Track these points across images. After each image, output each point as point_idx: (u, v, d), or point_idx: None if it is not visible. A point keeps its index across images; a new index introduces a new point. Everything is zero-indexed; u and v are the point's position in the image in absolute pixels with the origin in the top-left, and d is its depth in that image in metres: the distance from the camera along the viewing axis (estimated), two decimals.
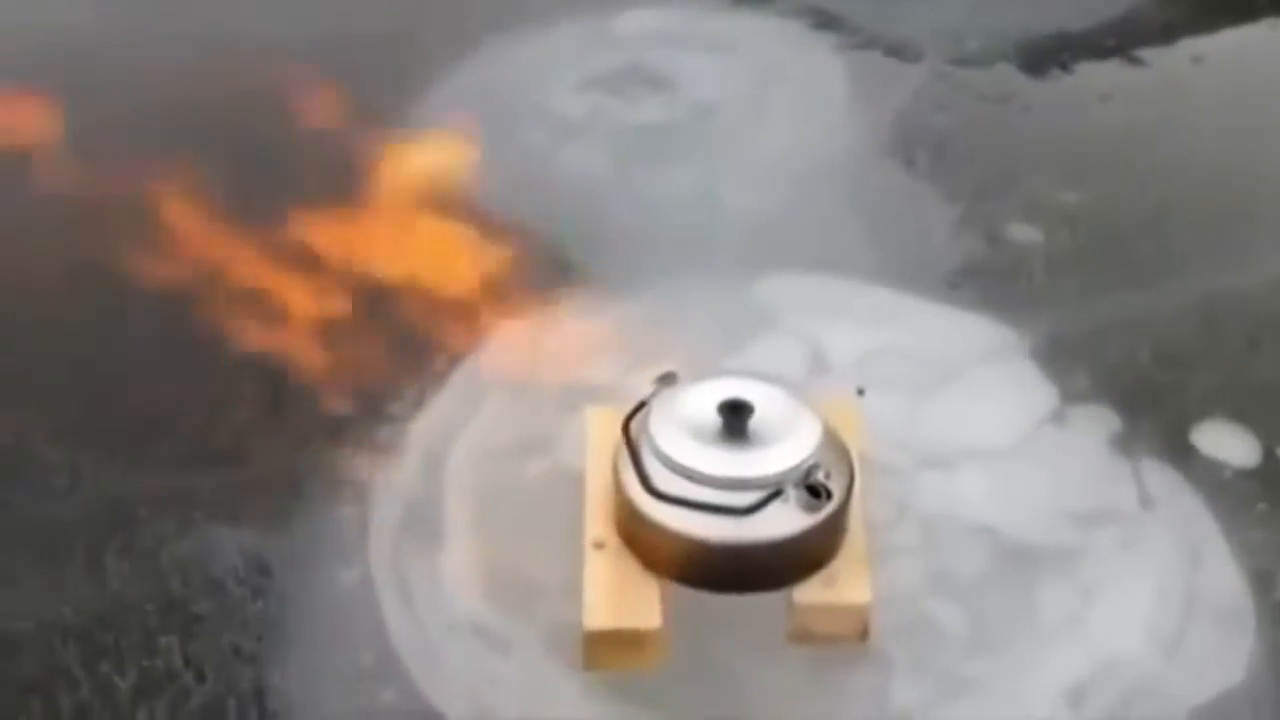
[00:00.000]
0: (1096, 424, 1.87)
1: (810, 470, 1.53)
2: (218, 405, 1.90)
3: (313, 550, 1.71)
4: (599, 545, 1.60)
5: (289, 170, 2.26)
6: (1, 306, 2.08)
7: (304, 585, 1.68)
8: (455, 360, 1.94)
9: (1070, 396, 1.91)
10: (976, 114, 2.52)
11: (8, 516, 1.78)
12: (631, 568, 1.57)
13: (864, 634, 1.57)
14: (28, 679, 1.59)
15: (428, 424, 1.86)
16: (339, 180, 2.23)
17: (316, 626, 1.64)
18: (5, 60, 2.49)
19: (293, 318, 1.94)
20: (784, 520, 1.52)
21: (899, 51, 2.65)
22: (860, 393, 1.87)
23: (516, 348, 1.94)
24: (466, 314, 1.98)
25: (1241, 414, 1.88)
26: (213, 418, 1.88)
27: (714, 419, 1.56)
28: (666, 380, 1.64)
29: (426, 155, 2.24)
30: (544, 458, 1.79)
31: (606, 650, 1.54)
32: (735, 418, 1.55)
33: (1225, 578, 1.68)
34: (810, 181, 2.33)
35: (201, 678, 1.59)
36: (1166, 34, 2.72)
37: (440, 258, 2.07)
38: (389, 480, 1.79)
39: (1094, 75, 2.65)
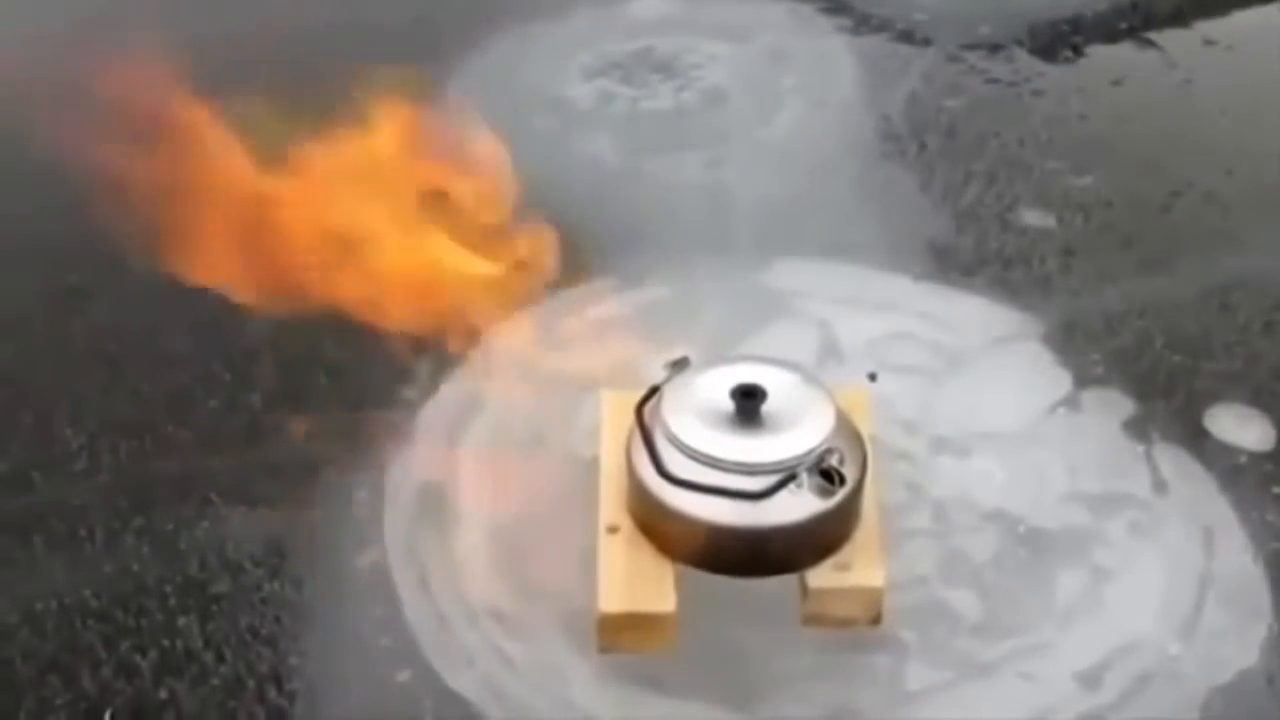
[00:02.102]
0: (1110, 408, 1.87)
1: (824, 455, 1.53)
2: (235, 389, 1.92)
3: (329, 533, 1.72)
4: (613, 529, 1.60)
5: (300, 157, 2.27)
6: (21, 289, 2.10)
7: (321, 568, 1.69)
8: (469, 345, 1.95)
9: (1084, 381, 1.91)
10: (988, 98, 2.52)
11: (28, 498, 1.80)
12: (645, 552, 1.58)
13: (877, 618, 1.57)
14: (50, 658, 1.61)
15: (442, 408, 1.87)
16: (349, 165, 2.24)
17: (333, 609, 1.65)
18: None
19: (309, 302, 1.95)
20: (798, 505, 1.52)
21: (910, 36, 2.65)
22: (872, 378, 1.88)
23: (529, 333, 1.95)
24: (480, 299, 1.98)
25: (1256, 398, 1.88)
26: (231, 401, 1.90)
27: (727, 404, 1.56)
28: (679, 365, 1.64)
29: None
30: (557, 442, 1.79)
31: (621, 633, 1.55)
32: (748, 402, 1.56)
33: (1240, 560, 1.68)
34: (822, 167, 2.33)
35: (221, 658, 1.61)
36: (1178, 17, 2.72)
37: (453, 243, 2.07)
38: (404, 464, 1.80)
39: (1106, 59, 2.64)
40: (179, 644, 1.62)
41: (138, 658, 1.61)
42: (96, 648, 1.62)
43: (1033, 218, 2.23)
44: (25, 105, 2.23)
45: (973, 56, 2.60)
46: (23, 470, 1.84)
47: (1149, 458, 1.80)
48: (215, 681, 1.58)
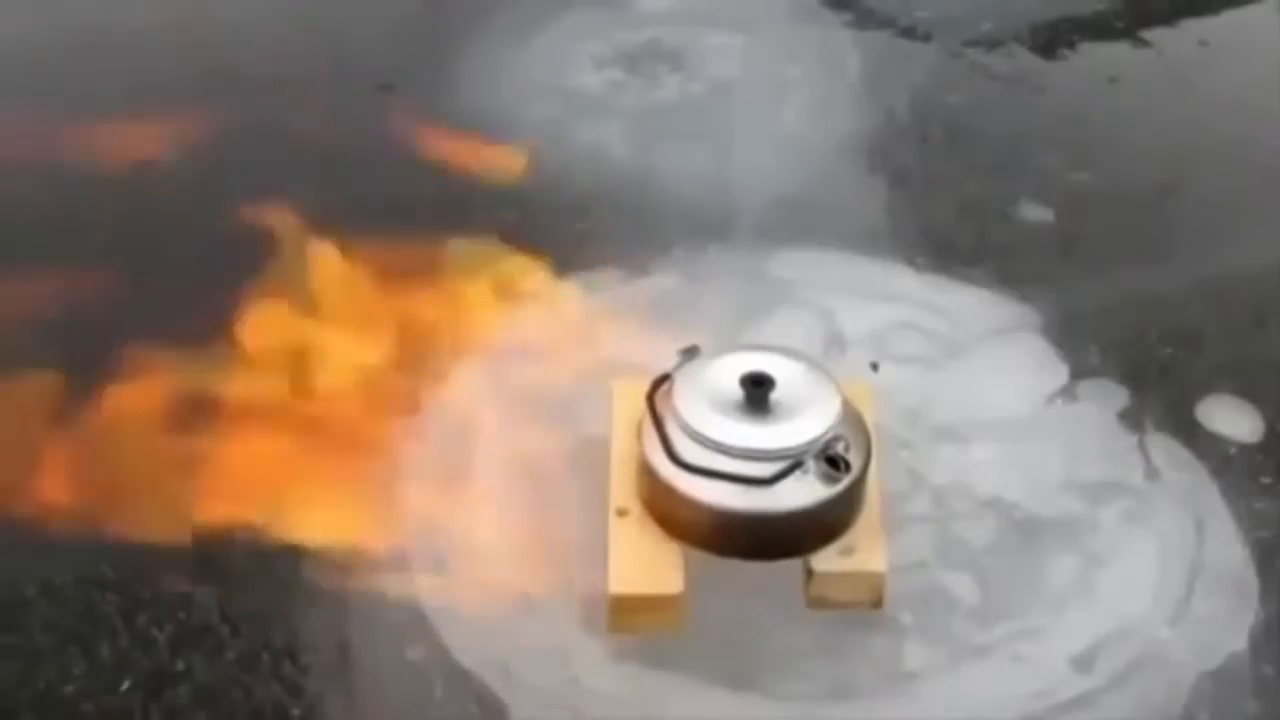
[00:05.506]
0: (1105, 399, 1.91)
1: (830, 443, 1.57)
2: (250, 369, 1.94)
3: (344, 512, 1.75)
4: (623, 513, 1.64)
5: (305, 143, 2.29)
6: (38, 271, 2.11)
7: (336, 545, 1.71)
8: (480, 332, 1.97)
9: (1080, 372, 1.95)
10: (988, 94, 2.55)
11: None
12: (654, 535, 1.62)
13: (878, 601, 1.62)
14: (69, 630, 1.64)
15: (454, 392, 1.89)
16: (354, 153, 2.26)
17: (347, 585, 1.68)
18: None
19: (321, 285, 1.97)
20: (804, 491, 1.56)
21: (913, 32, 2.68)
22: (874, 367, 1.92)
23: (540, 322, 1.98)
24: (490, 287, 2.01)
25: (1247, 390, 1.92)
26: (247, 383, 1.92)
27: (736, 392, 1.60)
28: (690, 354, 1.68)
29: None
30: (569, 428, 1.82)
31: (630, 614, 1.59)
32: (758, 390, 1.59)
33: (1229, 548, 1.72)
34: (826, 159, 2.36)
35: (236, 632, 1.64)
36: (1173, 17, 2.75)
37: (461, 232, 2.10)
38: (419, 445, 1.82)
39: (1104, 57, 2.68)
40: (196, 617, 1.65)
41: (155, 630, 1.64)
42: (114, 620, 1.65)
43: (1031, 212, 2.27)
44: None
45: (974, 53, 2.63)
46: None
47: (1142, 447, 1.84)
48: (230, 655, 1.62)
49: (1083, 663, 1.60)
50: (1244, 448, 1.86)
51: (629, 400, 1.71)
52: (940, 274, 2.11)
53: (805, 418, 1.58)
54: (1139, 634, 1.63)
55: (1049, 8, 2.76)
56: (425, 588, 1.67)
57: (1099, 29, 2.72)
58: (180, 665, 1.61)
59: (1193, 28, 2.74)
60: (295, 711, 1.58)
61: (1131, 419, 1.88)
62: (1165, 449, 1.84)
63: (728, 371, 1.62)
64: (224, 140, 2.26)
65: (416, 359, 1.91)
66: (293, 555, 1.70)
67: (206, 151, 2.24)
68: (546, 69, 2.55)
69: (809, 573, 1.60)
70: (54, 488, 1.72)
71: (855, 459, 1.58)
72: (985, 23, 2.70)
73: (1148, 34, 2.70)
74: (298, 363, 1.86)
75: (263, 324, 1.90)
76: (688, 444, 1.58)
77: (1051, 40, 2.68)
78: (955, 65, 2.61)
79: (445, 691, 1.58)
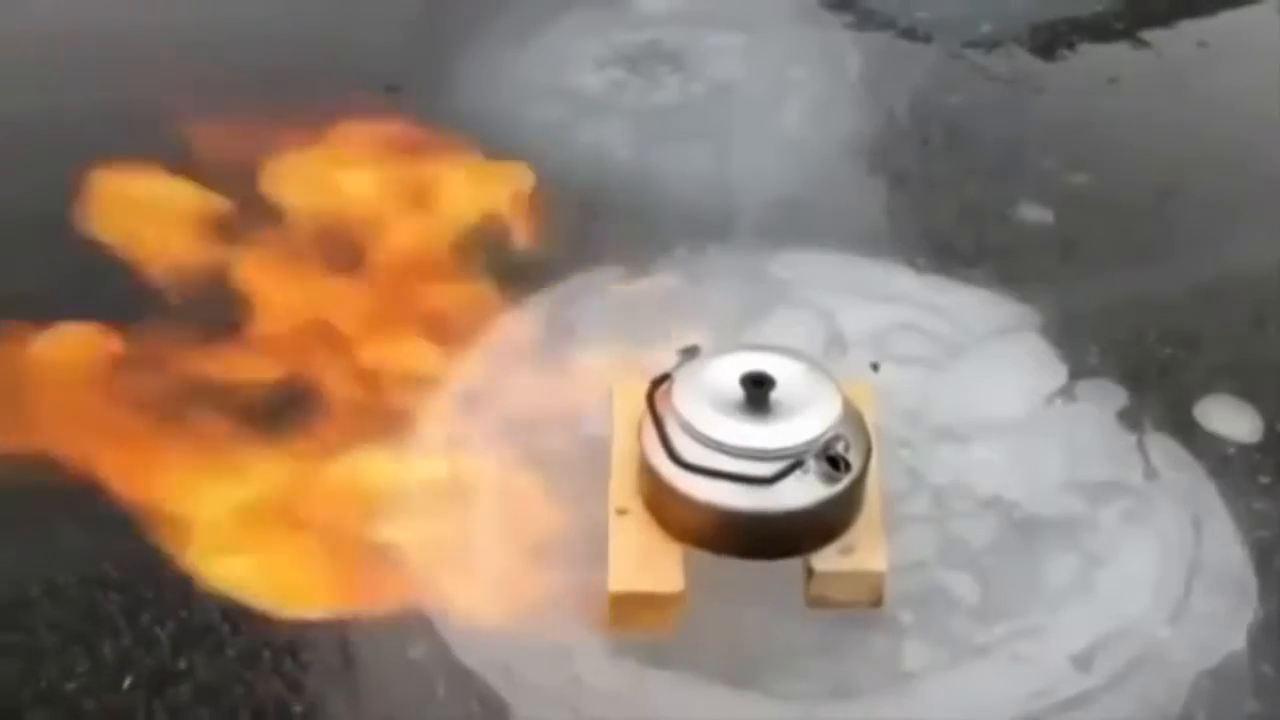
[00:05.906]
0: (1104, 399, 1.92)
1: (830, 442, 1.57)
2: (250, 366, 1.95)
3: (344, 509, 1.75)
4: (623, 512, 1.64)
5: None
6: (43, 265, 2.12)
7: (336, 544, 1.72)
8: (480, 333, 1.98)
9: (1079, 372, 1.96)
10: (988, 95, 2.56)
11: (48, 474, 1.83)
12: (654, 534, 1.62)
13: (878, 600, 1.62)
14: (72, 628, 1.65)
15: (454, 393, 1.90)
16: (359, 152, 2.27)
17: (348, 584, 1.68)
18: None
19: (323, 282, 1.98)
20: (804, 490, 1.57)
21: (913, 33, 2.70)
22: (875, 368, 1.92)
23: (541, 321, 1.99)
24: (490, 287, 2.02)
25: (1246, 390, 1.93)
26: (248, 380, 1.93)
27: (737, 391, 1.60)
28: (690, 353, 1.68)
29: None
30: (569, 428, 1.82)
31: (630, 612, 1.59)
32: (758, 390, 1.60)
33: (1228, 548, 1.73)
34: (826, 160, 2.36)
35: (237, 630, 1.65)
36: (1171, 18, 2.76)
37: (462, 231, 2.10)
38: (419, 442, 1.83)
39: (1102, 58, 2.69)
40: (197, 616, 1.66)
41: (157, 629, 1.65)
42: (116, 619, 1.66)
43: (1031, 213, 2.27)
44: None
45: (973, 54, 2.64)
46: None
47: (1141, 447, 1.85)
48: (231, 653, 1.63)
49: (1082, 662, 1.61)
50: (1243, 448, 1.86)
51: (629, 400, 1.71)
52: (940, 275, 2.12)
53: (805, 417, 1.59)
54: (1138, 633, 1.64)
55: (1049, 9, 2.77)
56: (426, 586, 1.67)
57: (1098, 30, 2.73)
58: (182, 663, 1.62)
59: (1192, 29, 2.74)
60: (297, 709, 1.59)
61: (1131, 419, 1.89)
62: (1164, 449, 1.85)
63: (728, 371, 1.62)
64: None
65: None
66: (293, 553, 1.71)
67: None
68: (547, 70, 2.56)
69: (809, 572, 1.60)
70: None
71: (855, 459, 1.59)
72: (985, 24, 2.71)
73: (1147, 35, 2.71)
74: None
75: None
76: (688, 443, 1.59)
77: (1051, 41, 2.69)
78: (955, 67, 2.62)
79: (447, 690, 1.59)
